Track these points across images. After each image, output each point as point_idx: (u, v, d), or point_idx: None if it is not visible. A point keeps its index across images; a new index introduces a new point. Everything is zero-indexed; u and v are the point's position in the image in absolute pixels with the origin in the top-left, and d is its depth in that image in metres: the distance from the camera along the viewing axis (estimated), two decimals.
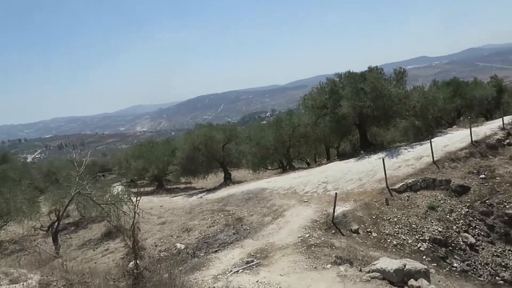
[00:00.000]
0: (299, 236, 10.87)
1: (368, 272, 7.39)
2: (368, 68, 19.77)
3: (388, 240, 10.90)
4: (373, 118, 19.25)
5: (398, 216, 11.77)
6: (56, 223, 14.62)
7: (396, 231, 11.23)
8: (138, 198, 7.28)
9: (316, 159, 28.53)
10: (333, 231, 11.28)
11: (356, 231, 11.25)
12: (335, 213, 11.79)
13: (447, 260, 10.45)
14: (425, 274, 7.61)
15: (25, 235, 18.11)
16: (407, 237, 11.04)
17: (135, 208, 6.91)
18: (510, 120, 17.94)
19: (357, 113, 18.70)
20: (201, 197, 20.42)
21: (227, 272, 8.78)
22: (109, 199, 14.08)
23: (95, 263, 12.72)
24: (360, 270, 7.63)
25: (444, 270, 9.89)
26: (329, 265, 8.36)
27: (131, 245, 13.15)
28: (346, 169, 16.19)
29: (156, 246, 13.74)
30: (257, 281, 7.69)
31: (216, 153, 24.39)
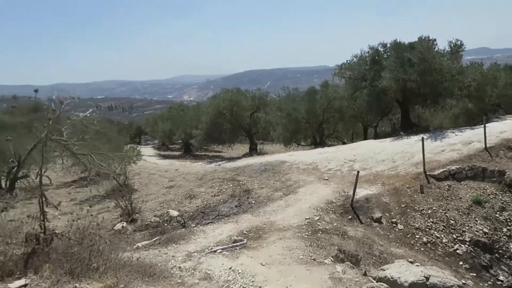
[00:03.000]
0: (307, 217, 9.01)
1: (375, 279, 5.37)
2: (418, 38, 16.79)
3: (417, 236, 8.77)
4: (418, 95, 16.53)
5: (434, 208, 9.53)
6: (14, 169, 12.91)
7: (428, 225, 9.05)
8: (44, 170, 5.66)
9: (354, 139, 26.11)
10: (350, 216, 9.29)
11: (378, 220, 9.20)
12: (356, 196, 9.78)
13: (492, 271, 8.19)
14: None
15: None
16: (442, 235, 8.83)
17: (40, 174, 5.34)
18: None
19: (400, 87, 16.06)
20: (219, 165, 18.91)
21: (205, 250, 7.13)
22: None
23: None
24: (365, 274, 5.64)
25: (486, 284, 7.68)
26: (328, 260, 6.46)
27: (122, 206, 11.95)
28: (379, 149, 13.91)
29: (153, 210, 12.45)
30: (230, 268, 5.98)
31: (242, 120, 22.63)
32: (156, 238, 8.31)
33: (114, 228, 10.72)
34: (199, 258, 6.66)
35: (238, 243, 7.20)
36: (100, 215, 13.07)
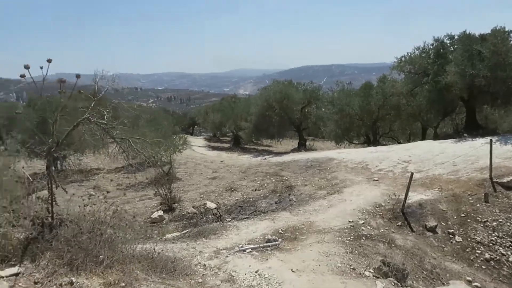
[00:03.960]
0: (351, 220, 8.20)
1: None
2: (491, 30, 14.94)
3: (478, 251, 7.65)
4: (487, 93, 14.79)
5: (500, 220, 8.30)
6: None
7: (492, 240, 7.87)
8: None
9: (411, 140, 24.38)
10: (400, 223, 8.34)
11: (433, 229, 8.16)
12: (409, 200, 8.79)
13: None
14: None
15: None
16: (509, 253, 7.63)
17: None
18: None
19: (467, 84, 14.42)
20: (265, 159, 18.40)
21: (235, 247, 6.62)
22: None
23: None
24: None
25: None
26: (369, 272, 5.67)
27: (162, 195, 11.79)
28: (439, 150, 12.60)
29: (193, 201, 12.20)
30: (256, 271, 5.40)
31: (292, 114, 21.88)
32: (187, 230, 7.95)
33: (151, 216, 10.57)
34: (227, 256, 6.15)
35: (270, 243, 6.60)
36: (141, 202, 13.16)
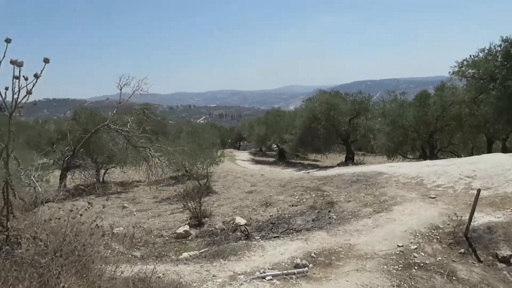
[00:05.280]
0: (400, 244, 6.79)
1: None
2: None
3: None
4: None
5: None
6: (68, 157, 11.71)
7: None
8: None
9: (474, 155, 21.87)
10: (463, 250, 6.77)
11: (506, 260, 6.52)
12: (474, 223, 7.19)
13: None
14: None
15: None
16: None
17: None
18: None
19: None
20: (308, 173, 17.16)
21: (256, 272, 5.51)
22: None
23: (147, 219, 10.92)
24: None
25: None
26: None
27: (190, 209, 10.95)
28: (510, 164, 10.71)
29: (225, 216, 11.26)
30: None
31: (339, 126, 20.47)
32: (205, 249, 6.95)
33: (176, 231, 9.72)
34: (241, 284, 5.06)
35: (296, 270, 5.42)
36: (172, 215, 12.43)
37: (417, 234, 7.23)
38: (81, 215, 4.06)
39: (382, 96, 21.86)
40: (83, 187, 14.91)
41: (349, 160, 20.73)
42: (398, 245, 6.79)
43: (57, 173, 13.12)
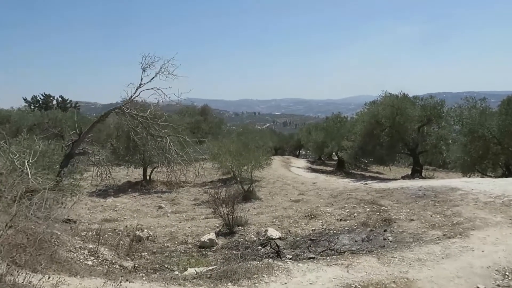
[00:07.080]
0: (482, 287, 4.86)
1: None
2: None
3: None
4: None
5: None
6: (73, 144, 10.20)
7: None
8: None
9: None
10: None
11: None
12: None
13: None
14: None
15: None
16: None
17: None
18: None
19: None
20: (365, 184, 15.14)
21: None
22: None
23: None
24: None
25: None
26: None
27: (221, 215, 9.62)
28: None
29: (261, 226, 9.78)
30: None
31: (405, 134, 18.06)
32: (213, 267, 5.51)
33: (201, 239, 8.42)
34: None
35: None
36: (205, 220, 11.19)
37: (507, 273, 5.22)
38: None
39: (457, 102, 19.03)
40: (99, 188, 14.12)
41: (416, 174, 18.17)
42: (478, 287, 4.86)
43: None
